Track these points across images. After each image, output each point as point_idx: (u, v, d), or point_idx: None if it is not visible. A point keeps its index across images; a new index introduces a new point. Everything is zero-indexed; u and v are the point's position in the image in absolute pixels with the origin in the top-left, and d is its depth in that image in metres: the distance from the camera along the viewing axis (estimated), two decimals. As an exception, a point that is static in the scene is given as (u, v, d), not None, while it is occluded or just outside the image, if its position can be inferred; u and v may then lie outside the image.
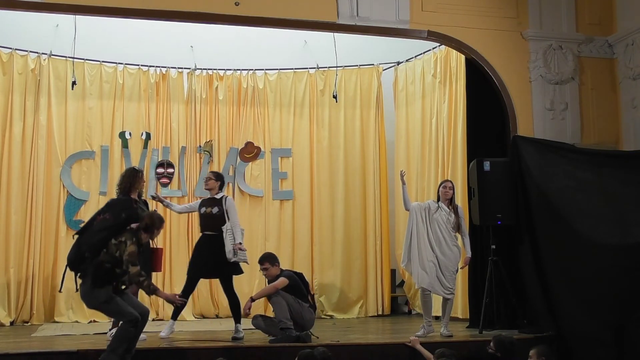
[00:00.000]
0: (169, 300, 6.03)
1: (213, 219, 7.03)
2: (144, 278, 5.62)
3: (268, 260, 6.91)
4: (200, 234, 7.21)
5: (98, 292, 5.59)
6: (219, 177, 7.28)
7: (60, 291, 5.78)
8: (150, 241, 6.87)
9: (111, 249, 5.60)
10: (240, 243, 6.96)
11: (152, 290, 5.67)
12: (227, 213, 7.04)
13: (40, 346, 6.41)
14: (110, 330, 6.74)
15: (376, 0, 7.81)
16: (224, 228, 6.97)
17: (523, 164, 7.67)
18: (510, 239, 7.72)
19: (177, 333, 7.18)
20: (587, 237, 7.21)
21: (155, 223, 5.85)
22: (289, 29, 8.60)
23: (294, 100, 9.93)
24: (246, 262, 7.17)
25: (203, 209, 7.13)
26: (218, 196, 7.16)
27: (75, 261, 5.68)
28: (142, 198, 6.86)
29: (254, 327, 7.28)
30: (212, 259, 6.94)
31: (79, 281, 5.68)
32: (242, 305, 6.80)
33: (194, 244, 7.69)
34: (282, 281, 6.72)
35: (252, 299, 6.74)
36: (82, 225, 6.05)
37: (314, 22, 7.81)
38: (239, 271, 7.15)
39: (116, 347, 5.59)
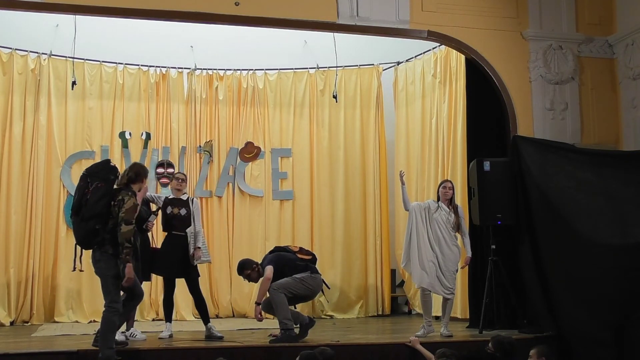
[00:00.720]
0: (128, 276, 5.74)
1: (181, 220, 6.99)
2: (130, 245, 5.64)
3: (245, 268, 6.88)
4: (165, 234, 7.12)
5: (114, 264, 5.68)
6: (186, 180, 7.30)
7: (77, 270, 5.95)
8: (151, 242, 6.91)
9: (114, 211, 5.69)
10: (200, 248, 6.97)
11: (126, 260, 5.66)
12: (193, 215, 7.02)
13: (40, 346, 6.41)
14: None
15: (376, 0, 7.80)
16: (189, 231, 6.97)
17: (523, 164, 7.66)
18: (510, 239, 7.72)
19: (177, 333, 7.18)
20: (587, 237, 7.21)
21: (140, 172, 5.98)
22: (289, 29, 8.59)
23: (294, 100, 9.93)
24: (209, 262, 7.27)
25: (169, 210, 7.02)
26: (184, 197, 7.12)
27: (87, 237, 5.72)
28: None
29: (254, 328, 7.30)
30: (179, 259, 6.93)
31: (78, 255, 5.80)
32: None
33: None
34: (269, 271, 6.65)
35: (258, 304, 6.70)
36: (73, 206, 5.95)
37: (314, 22, 7.80)
38: (198, 273, 7.14)
39: (107, 341, 5.66)
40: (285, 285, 6.63)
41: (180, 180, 7.17)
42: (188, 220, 6.99)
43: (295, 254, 6.96)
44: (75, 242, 5.85)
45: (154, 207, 7.19)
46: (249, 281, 7.01)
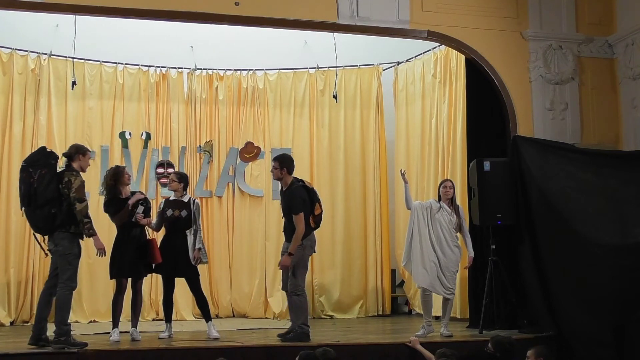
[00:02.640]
0: (99, 247, 6.20)
1: (181, 222, 6.98)
2: (88, 220, 6.02)
3: (279, 160, 6.80)
4: (164, 235, 7.12)
5: (77, 243, 6.07)
6: (182, 179, 7.17)
7: (46, 255, 6.35)
8: (147, 232, 6.92)
9: (64, 193, 6.03)
10: (200, 249, 6.97)
11: (90, 234, 6.07)
12: (194, 216, 7.00)
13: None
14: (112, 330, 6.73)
15: (376, 0, 7.79)
16: (188, 232, 6.97)
17: (523, 164, 7.67)
18: (510, 239, 7.72)
19: (177, 333, 7.18)
20: (587, 237, 7.21)
21: (78, 149, 6.32)
22: (289, 29, 8.60)
23: (294, 100, 9.93)
24: (206, 263, 7.26)
25: (170, 212, 7.00)
26: (185, 198, 7.08)
27: (47, 223, 6.04)
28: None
29: (254, 328, 7.29)
30: (179, 259, 6.92)
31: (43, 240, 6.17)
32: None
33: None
34: (302, 222, 6.53)
35: (290, 254, 6.53)
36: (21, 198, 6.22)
37: (314, 22, 7.80)
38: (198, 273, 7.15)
39: (64, 317, 5.99)
40: (304, 279, 6.71)
41: (170, 180, 7.18)
42: (188, 221, 6.98)
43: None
44: (32, 232, 6.28)
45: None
46: (271, 170, 6.93)
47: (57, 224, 6.02)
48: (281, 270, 6.90)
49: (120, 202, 6.74)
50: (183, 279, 7.11)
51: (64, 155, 6.30)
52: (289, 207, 6.65)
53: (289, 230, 6.71)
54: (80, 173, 6.23)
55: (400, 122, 10.00)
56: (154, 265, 6.94)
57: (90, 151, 6.60)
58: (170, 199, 7.16)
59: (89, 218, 6.07)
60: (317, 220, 6.82)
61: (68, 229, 6.03)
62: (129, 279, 6.77)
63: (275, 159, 6.86)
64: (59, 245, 6.06)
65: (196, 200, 7.23)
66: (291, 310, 6.76)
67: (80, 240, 6.20)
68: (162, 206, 7.15)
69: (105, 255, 6.37)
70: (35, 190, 5.97)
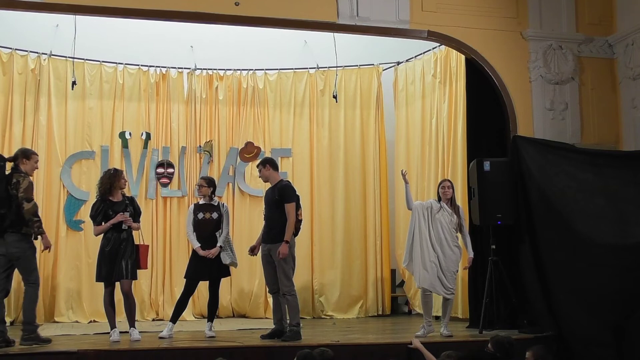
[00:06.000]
0: (47, 246, 6.33)
1: (212, 224, 7.17)
2: (37, 219, 6.10)
3: (261, 162, 7.09)
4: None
5: (32, 243, 6.16)
6: (210, 183, 7.34)
7: None
8: (137, 236, 6.93)
9: (13, 194, 6.07)
10: (221, 247, 7.15)
11: (39, 232, 6.16)
12: (223, 218, 7.22)
13: (40, 346, 6.40)
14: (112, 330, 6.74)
15: (376, 0, 7.81)
16: (217, 234, 7.16)
17: (523, 164, 7.67)
18: (510, 239, 7.72)
19: (177, 333, 7.19)
20: (587, 237, 7.21)
21: (25, 152, 6.40)
22: (289, 29, 8.60)
23: (294, 100, 9.92)
24: (236, 265, 7.42)
25: (201, 215, 7.20)
26: (215, 202, 7.30)
27: None
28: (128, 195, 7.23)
29: (254, 328, 7.29)
30: (210, 262, 7.11)
31: None
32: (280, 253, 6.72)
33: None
34: (293, 212, 6.77)
35: (287, 242, 6.72)
36: None
37: (314, 22, 7.81)
38: (228, 272, 7.43)
39: (33, 317, 6.16)
40: (291, 278, 6.77)
41: (199, 186, 7.32)
42: (218, 223, 7.17)
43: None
44: None
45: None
46: (258, 175, 7.13)
47: (7, 225, 6.07)
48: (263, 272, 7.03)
49: (109, 205, 6.77)
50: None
51: (9, 159, 6.34)
52: (282, 197, 6.81)
53: (273, 225, 6.81)
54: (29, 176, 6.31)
55: (400, 122, 10.00)
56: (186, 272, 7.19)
57: (35, 154, 6.55)
58: (200, 202, 7.32)
59: (38, 217, 6.17)
60: (298, 227, 6.99)
61: (19, 229, 6.10)
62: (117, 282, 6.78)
63: (259, 164, 7.12)
64: (12, 248, 6.11)
65: (225, 204, 7.49)
66: (276, 311, 6.90)
67: (33, 240, 6.27)
68: (191, 211, 7.28)
69: (50, 252, 6.59)
70: None
